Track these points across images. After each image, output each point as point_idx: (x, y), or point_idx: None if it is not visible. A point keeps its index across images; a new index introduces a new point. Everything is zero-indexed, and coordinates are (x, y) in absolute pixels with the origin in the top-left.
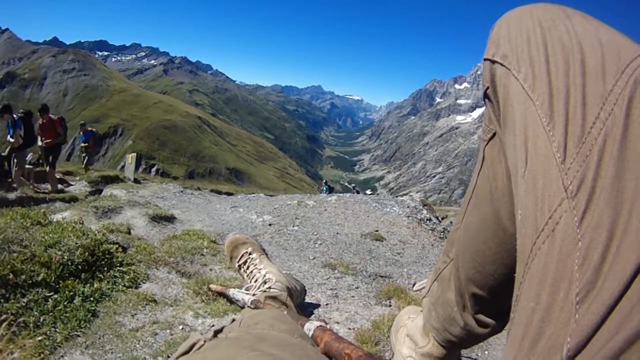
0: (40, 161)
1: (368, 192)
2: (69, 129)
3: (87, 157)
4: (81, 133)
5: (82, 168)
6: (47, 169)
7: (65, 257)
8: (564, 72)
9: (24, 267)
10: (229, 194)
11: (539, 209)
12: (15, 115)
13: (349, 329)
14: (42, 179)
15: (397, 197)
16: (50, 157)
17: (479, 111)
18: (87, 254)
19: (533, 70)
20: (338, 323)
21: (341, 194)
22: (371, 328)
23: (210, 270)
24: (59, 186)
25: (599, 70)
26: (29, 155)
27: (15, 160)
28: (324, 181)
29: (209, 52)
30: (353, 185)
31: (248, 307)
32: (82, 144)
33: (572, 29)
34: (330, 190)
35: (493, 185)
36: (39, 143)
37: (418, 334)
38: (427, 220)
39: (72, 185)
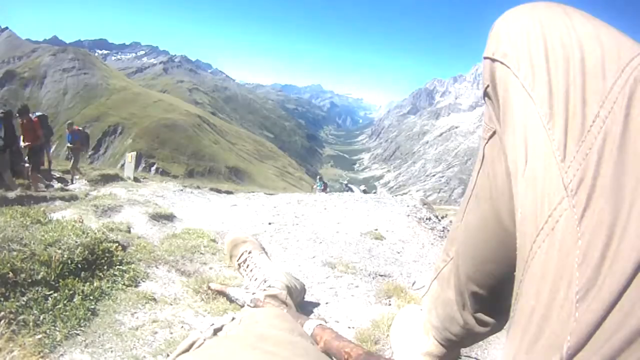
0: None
1: (362, 187)
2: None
3: (73, 159)
4: (68, 133)
5: (69, 169)
6: (30, 172)
7: (65, 256)
8: (563, 71)
9: (23, 265)
10: (229, 192)
11: (538, 207)
12: None
13: (349, 327)
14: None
15: (396, 196)
16: (32, 159)
17: (478, 110)
18: (86, 252)
19: (533, 68)
20: (338, 322)
21: (340, 193)
22: (371, 327)
23: (210, 268)
24: (58, 185)
25: (599, 69)
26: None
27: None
28: (318, 177)
29: (209, 50)
30: (345, 182)
31: (248, 305)
32: (69, 145)
33: (572, 28)
34: (325, 186)
35: (493, 183)
36: (21, 144)
37: (418, 332)
38: (426, 219)
39: (73, 184)
